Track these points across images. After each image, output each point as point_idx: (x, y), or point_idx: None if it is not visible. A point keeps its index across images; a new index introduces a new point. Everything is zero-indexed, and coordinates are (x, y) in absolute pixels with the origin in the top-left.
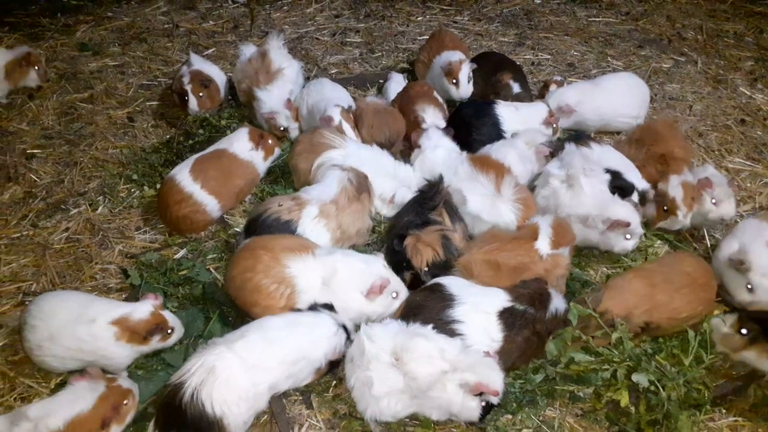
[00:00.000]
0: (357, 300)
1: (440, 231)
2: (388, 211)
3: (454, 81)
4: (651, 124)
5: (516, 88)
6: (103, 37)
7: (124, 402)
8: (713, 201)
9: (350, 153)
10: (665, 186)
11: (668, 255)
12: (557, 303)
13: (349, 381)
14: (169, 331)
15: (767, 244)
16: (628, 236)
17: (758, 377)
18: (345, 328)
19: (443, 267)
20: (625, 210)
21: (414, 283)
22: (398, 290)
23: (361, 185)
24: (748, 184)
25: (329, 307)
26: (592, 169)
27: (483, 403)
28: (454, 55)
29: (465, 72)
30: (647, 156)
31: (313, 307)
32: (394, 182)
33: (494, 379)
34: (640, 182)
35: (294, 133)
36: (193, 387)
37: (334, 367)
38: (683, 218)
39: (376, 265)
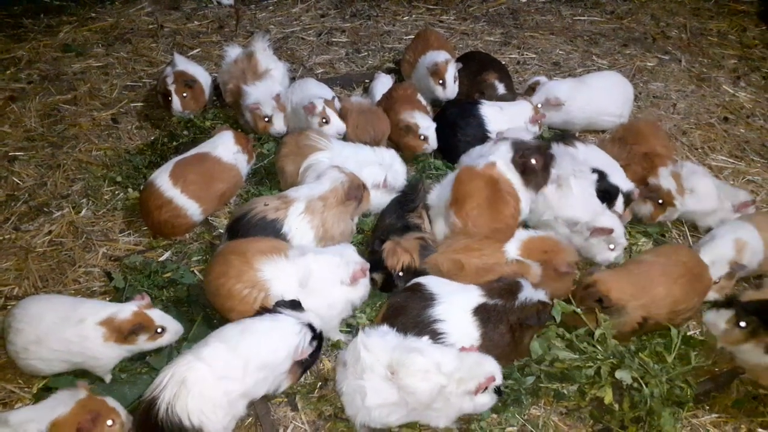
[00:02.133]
0: (340, 292)
1: (420, 238)
2: (384, 197)
3: (441, 81)
4: (633, 124)
5: (501, 89)
6: (86, 38)
7: (108, 421)
8: (611, 247)
9: (336, 154)
10: (656, 180)
11: (663, 247)
12: (528, 293)
13: (339, 385)
14: (159, 330)
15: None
16: (611, 246)
17: (740, 373)
18: (311, 326)
19: (416, 273)
20: (610, 219)
21: (385, 286)
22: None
23: (352, 192)
24: (731, 182)
25: (296, 305)
26: (581, 170)
27: (493, 389)
28: (439, 56)
29: (451, 72)
30: (631, 155)
31: (272, 309)
32: (381, 168)
33: (487, 370)
34: (624, 182)
35: (278, 123)
36: (167, 401)
37: (308, 366)
38: (681, 206)
39: (350, 253)
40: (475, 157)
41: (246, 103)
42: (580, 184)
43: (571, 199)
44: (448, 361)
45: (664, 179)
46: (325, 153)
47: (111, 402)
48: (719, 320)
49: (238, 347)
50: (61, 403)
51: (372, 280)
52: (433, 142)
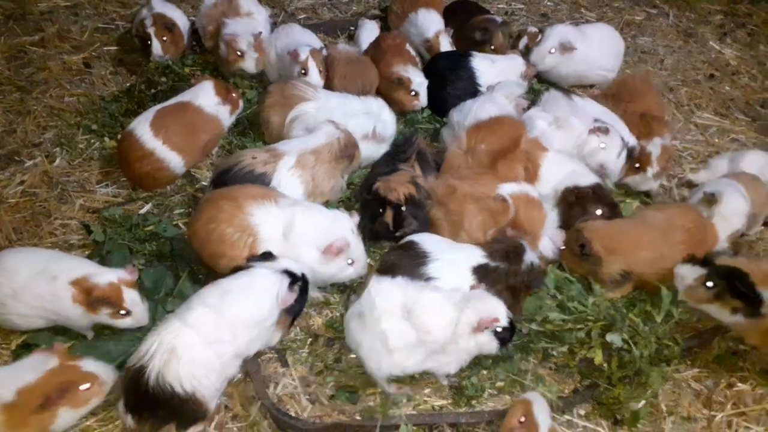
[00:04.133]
0: (311, 256)
1: (409, 175)
2: (373, 149)
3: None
4: (627, 80)
5: (498, 19)
6: None
7: (82, 386)
8: (602, 145)
9: (322, 105)
10: (646, 143)
11: (670, 207)
12: (531, 256)
13: (355, 338)
14: (122, 312)
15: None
16: (602, 145)
17: (723, 331)
18: (288, 272)
19: (420, 206)
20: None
21: (396, 222)
22: (356, 258)
23: (347, 149)
24: (716, 140)
25: (268, 255)
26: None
27: (496, 330)
28: (429, 29)
29: (445, 43)
30: (627, 114)
31: (245, 266)
32: (369, 118)
33: (490, 307)
34: (628, 137)
35: (250, 61)
36: (157, 370)
37: (297, 312)
38: (651, 178)
39: (342, 225)
40: (465, 112)
41: (223, 32)
42: (581, 121)
43: (574, 136)
44: (458, 294)
45: (653, 147)
46: (311, 103)
47: (87, 365)
48: (689, 275)
49: (222, 310)
50: (32, 369)
51: (377, 232)
52: (423, 99)
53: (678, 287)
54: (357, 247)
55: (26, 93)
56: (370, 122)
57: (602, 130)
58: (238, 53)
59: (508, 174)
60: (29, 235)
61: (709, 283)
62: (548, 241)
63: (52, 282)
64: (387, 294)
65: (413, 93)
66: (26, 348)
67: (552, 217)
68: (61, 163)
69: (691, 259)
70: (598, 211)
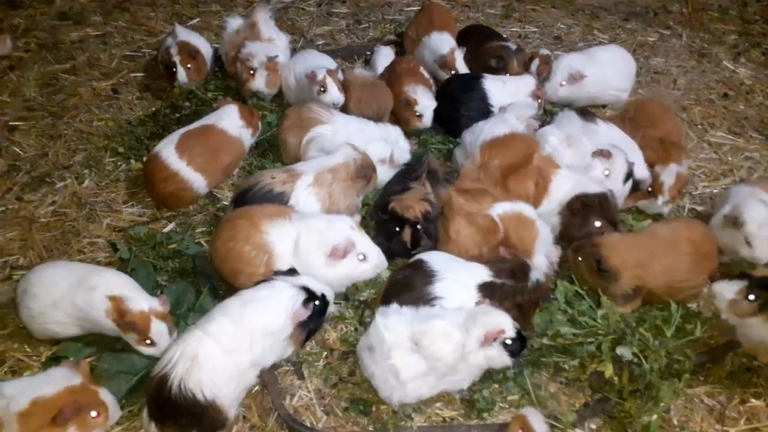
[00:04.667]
0: (320, 263)
1: (421, 193)
2: (389, 173)
3: (453, 72)
4: (646, 104)
5: (513, 45)
6: (83, 6)
7: (93, 412)
8: (606, 172)
9: (338, 127)
10: (661, 170)
11: (677, 220)
12: (537, 273)
13: (368, 370)
14: (148, 342)
15: (758, 200)
16: (606, 172)
17: (735, 347)
18: (306, 288)
19: (434, 222)
20: (616, 150)
21: (414, 240)
22: (366, 252)
23: (363, 170)
24: (730, 158)
25: (292, 271)
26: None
27: (505, 343)
28: (443, 45)
29: (460, 61)
30: (645, 139)
31: (268, 279)
32: (387, 144)
33: (495, 320)
34: (641, 169)
35: (260, 80)
36: (180, 377)
37: (313, 329)
38: (661, 204)
39: (340, 225)
40: (477, 133)
41: (241, 53)
42: (591, 141)
43: (584, 153)
44: (462, 314)
45: (667, 174)
46: (327, 126)
47: (103, 395)
48: (728, 290)
49: (242, 318)
50: (53, 382)
51: (392, 250)
52: (426, 121)
53: (717, 305)
54: (363, 242)
55: (58, 118)
56: (388, 148)
57: (605, 154)
58: (251, 72)
59: (518, 189)
60: (59, 252)
61: (751, 296)
62: (543, 258)
63: (90, 292)
64: (394, 328)
65: (418, 114)
66: (56, 360)
67: (546, 234)
68: (90, 184)
69: (725, 275)
70: (597, 223)
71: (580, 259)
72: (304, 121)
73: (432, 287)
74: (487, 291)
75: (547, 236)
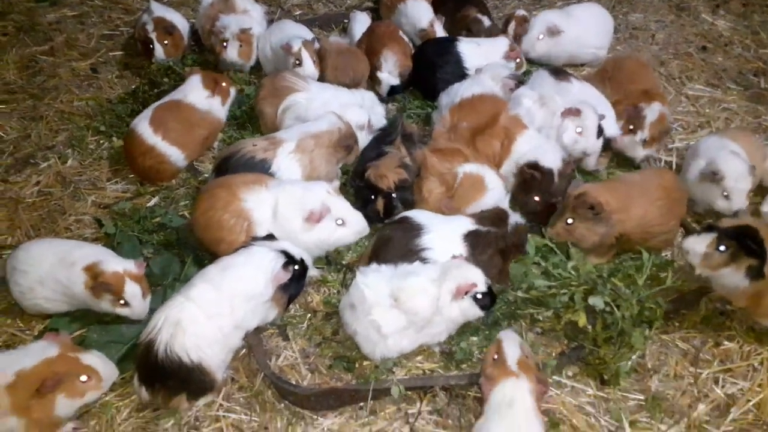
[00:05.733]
0: (297, 228)
1: (398, 159)
2: (368, 138)
3: None
4: (624, 62)
5: (486, 21)
6: None
7: (82, 377)
8: (578, 130)
9: (313, 95)
10: (645, 106)
11: (647, 169)
12: (514, 218)
13: (350, 328)
14: (122, 302)
15: (732, 153)
16: (579, 130)
17: (708, 292)
18: (286, 252)
19: (408, 188)
20: (584, 105)
21: (387, 210)
22: (344, 217)
23: (346, 140)
24: (707, 110)
25: (270, 237)
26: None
27: (476, 297)
28: (421, 18)
29: (440, 31)
30: (628, 93)
31: (246, 244)
32: (363, 110)
33: (466, 274)
34: (611, 126)
35: (232, 51)
36: (165, 342)
37: (294, 293)
38: (639, 142)
39: (316, 190)
40: (453, 95)
41: (214, 26)
42: (564, 101)
43: (557, 113)
44: (437, 269)
45: (651, 111)
46: (302, 94)
47: (87, 359)
48: (699, 244)
49: (222, 284)
50: (32, 355)
51: (368, 217)
52: (382, 91)
53: (691, 261)
54: (340, 207)
55: (38, 100)
56: (365, 114)
57: (574, 112)
58: (224, 44)
59: (485, 149)
60: (47, 231)
61: (722, 247)
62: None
63: (70, 268)
64: (373, 285)
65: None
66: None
67: (491, 201)
68: (73, 163)
69: (693, 231)
70: (536, 198)
71: (570, 221)
72: (279, 90)
73: (420, 239)
74: (472, 239)
75: (491, 202)
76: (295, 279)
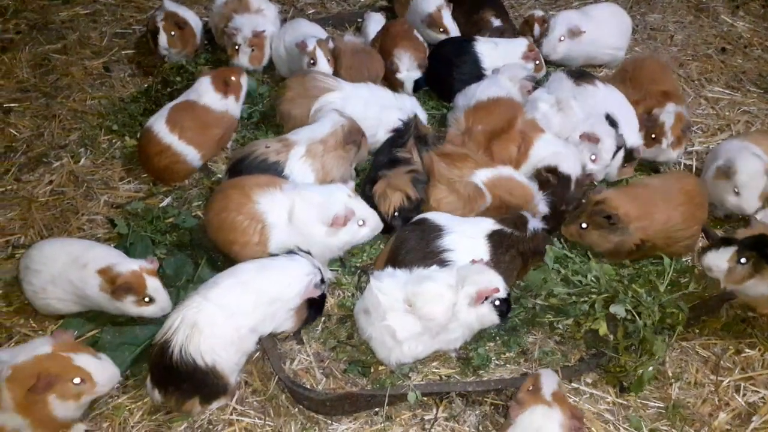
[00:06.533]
0: (320, 232)
1: (410, 171)
2: None
3: (442, 30)
4: (644, 63)
5: (497, 23)
6: None
7: (75, 379)
8: (593, 157)
9: (348, 94)
10: (659, 111)
11: (668, 173)
12: (534, 224)
13: (365, 332)
14: (146, 299)
15: (753, 154)
16: (593, 157)
17: (729, 298)
18: (321, 271)
19: (415, 209)
20: (605, 132)
21: (384, 229)
22: (365, 217)
23: (352, 136)
24: (727, 113)
25: (310, 253)
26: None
27: (495, 303)
28: (429, 4)
29: (447, 18)
30: (648, 94)
31: (291, 252)
32: (400, 113)
33: (488, 279)
34: (633, 136)
35: (243, 57)
36: (180, 344)
37: (317, 310)
38: (667, 148)
39: (339, 195)
40: (469, 96)
41: (227, 27)
42: (581, 105)
43: (573, 119)
44: (453, 275)
45: (666, 114)
46: (335, 93)
47: (80, 360)
48: (720, 260)
49: (252, 282)
50: (26, 352)
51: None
52: (407, 90)
53: (716, 277)
54: (361, 208)
55: (51, 98)
56: (404, 116)
57: (593, 138)
58: (236, 48)
59: (501, 154)
60: (59, 230)
61: (743, 259)
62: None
63: (83, 269)
64: (388, 290)
65: (400, 82)
66: None
67: (536, 188)
68: (86, 162)
69: (710, 246)
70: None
71: (584, 225)
72: (310, 90)
73: (441, 241)
74: (495, 239)
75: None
76: (319, 301)
